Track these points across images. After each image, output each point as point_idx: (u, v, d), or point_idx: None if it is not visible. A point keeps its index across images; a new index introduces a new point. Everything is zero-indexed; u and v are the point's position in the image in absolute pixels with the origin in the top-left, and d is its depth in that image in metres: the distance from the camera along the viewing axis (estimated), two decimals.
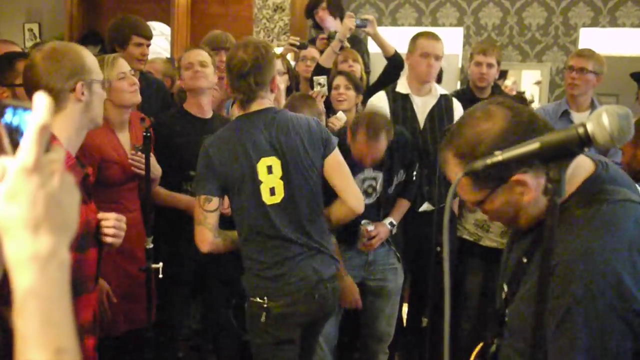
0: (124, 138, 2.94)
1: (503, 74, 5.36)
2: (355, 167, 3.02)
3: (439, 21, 5.87)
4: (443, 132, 3.54)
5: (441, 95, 3.77)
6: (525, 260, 1.48)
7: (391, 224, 3.31)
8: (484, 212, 1.54)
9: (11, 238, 0.79)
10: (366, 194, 3.20)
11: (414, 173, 3.40)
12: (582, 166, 1.45)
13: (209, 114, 3.29)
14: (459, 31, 5.83)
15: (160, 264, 2.68)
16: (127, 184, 2.91)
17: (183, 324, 3.57)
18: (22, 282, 0.79)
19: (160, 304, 2.95)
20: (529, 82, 5.87)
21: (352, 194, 2.64)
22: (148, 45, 3.83)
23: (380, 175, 3.28)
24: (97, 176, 2.70)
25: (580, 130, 1.01)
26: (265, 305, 2.48)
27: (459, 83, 5.75)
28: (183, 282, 3.26)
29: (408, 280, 3.74)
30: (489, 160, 1.11)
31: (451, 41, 5.34)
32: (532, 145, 1.07)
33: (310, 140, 2.57)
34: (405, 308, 4.02)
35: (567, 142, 1.03)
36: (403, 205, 3.43)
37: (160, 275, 2.69)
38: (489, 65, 4.05)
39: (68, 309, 0.82)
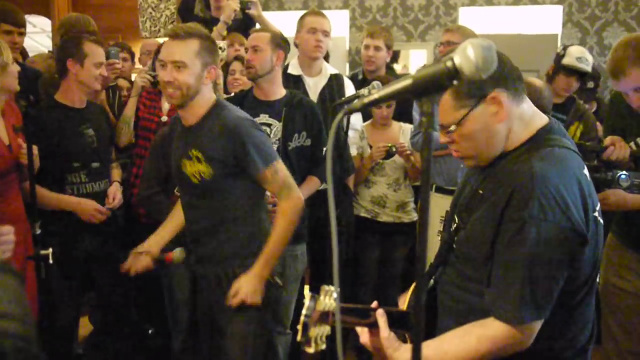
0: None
1: (395, 56, 5.49)
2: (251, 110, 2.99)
3: (325, 4, 5.93)
4: (334, 108, 3.57)
5: (331, 75, 3.80)
6: (480, 191, 1.66)
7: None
8: (455, 143, 1.67)
9: None
10: None
11: (324, 149, 3.27)
12: (537, 117, 1.67)
13: (83, 104, 3.21)
14: (345, 14, 5.92)
15: (50, 250, 2.57)
16: (8, 176, 2.77)
17: (76, 321, 3.44)
18: None
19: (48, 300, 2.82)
20: (416, 62, 6.03)
21: None
22: (20, 34, 3.65)
23: (277, 124, 3.20)
24: None
25: (449, 63, 1.05)
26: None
27: (347, 65, 5.84)
28: (73, 275, 3.15)
29: (307, 261, 3.74)
30: (366, 100, 1.13)
31: (338, 24, 5.43)
32: (406, 82, 1.10)
33: None
34: (307, 290, 4.03)
35: (437, 76, 1.06)
36: (312, 182, 3.31)
37: (51, 261, 2.58)
38: (377, 48, 4.14)
39: None
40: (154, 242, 2.70)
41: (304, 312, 1.57)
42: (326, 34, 3.68)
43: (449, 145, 1.73)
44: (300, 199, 2.57)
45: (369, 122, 3.96)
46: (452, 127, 1.63)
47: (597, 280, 1.98)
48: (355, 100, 1.13)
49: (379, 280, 3.94)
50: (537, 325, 1.56)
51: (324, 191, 3.54)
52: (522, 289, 1.52)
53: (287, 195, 2.53)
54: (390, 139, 3.78)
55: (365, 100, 1.13)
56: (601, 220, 1.63)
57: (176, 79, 2.39)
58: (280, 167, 2.52)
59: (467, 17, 5.77)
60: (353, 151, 3.78)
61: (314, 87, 3.74)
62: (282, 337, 3.35)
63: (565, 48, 3.81)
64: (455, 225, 1.76)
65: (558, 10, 5.63)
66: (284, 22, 4.85)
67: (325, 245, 3.39)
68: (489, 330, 1.56)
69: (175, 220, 2.75)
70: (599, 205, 1.64)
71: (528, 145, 1.62)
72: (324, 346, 1.56)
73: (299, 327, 1.56)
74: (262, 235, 2.54)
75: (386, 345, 1.64)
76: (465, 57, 1.04)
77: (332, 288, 1.58)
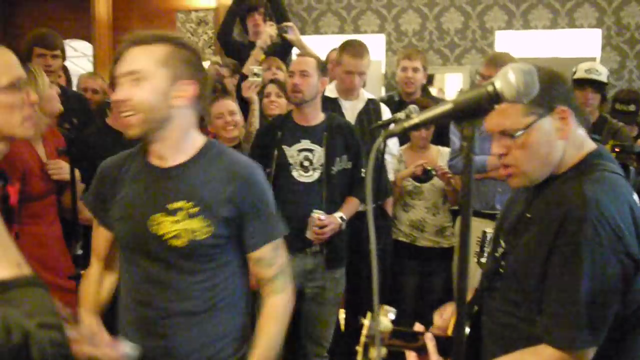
0: (40, 151, 2.87)
1: (430, 79, 5.49)
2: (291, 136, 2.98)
3: (361, 28, 5.97)
4: (370, 131, 3.58)
5: (368, 99, 3.84)
6: (528, 215, 1.64)
7: (342, 218, 3.20)
8: (508, 154, 1.63)
9: None
10: (302, 166, 3.16)
11: (363, 170, 3.29)
12: (588, 142, 1.67)
13: None
14: (381, 38, 5.95)
15: None
16: (48, 197, 2.83)
17: None
18: None
19: None
20: (452, 85, 6.03)
21: None
22: (54, 57, 3.73)
23: (319, 150, 3.21)
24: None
25: (490, 88, 1.06)
26: None
27: (383, 89, 5.85)
28: None
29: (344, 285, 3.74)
30: (406, 124, 1.14)
31: (374, 48, 5.45)
32: (446, 106, 1.11)
33: None
34: (342, 314, 4.02)
35: (479, 100, 1.07)
36: (352, 203, 3.29)
37: None
38: (415, 70, 4.15)
39: None
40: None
41: (364, 332, 1.56)
42: (362, 74, 3.74)
43: (498, 159, 1.68)
44: (293, 292, 1.95)
45: (406, 145, 3.96)
46: (519, 133, 1.59)
47: None
48: (394, 124, 1.12)
49: (417, 306, 3.90)
50: (591, 353, 1.52)
51: (364, 213, 3.55)
52: (577, 314, 1.49)
53: (283, 286, 1.90)
54: (429, 161, 3.77)
55: (406, 124, 1.13)
56: None
57: (130, 97, 1.71)
58: (283, 244, 1.91)
59: (503, 40, 5.74)
60: (390, 176, 3.78)
61: (351, 110, 3.78)
62: None
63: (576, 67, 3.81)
64: (501, 250, 1.72)
65: (597, 34, 5.58)
66: (321, 46, 4.89)
67: (363, 267, 3.39)
68: (542, 358, 1.53)
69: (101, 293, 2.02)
70: None
71: (578, 169, 1.61)
72: None
73: (359, 348, 1.55)
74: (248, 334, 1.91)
75: None
76: (507, 81, 1.05)
77: (389, 308, 1.58)
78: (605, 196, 1.51)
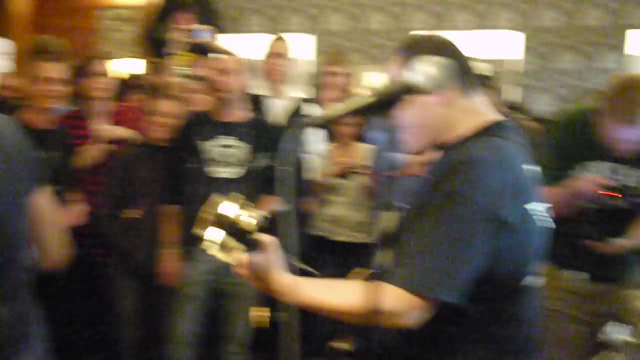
0: None
1: (355, 80, 5.52)
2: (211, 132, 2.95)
3: (290, 28, 5.98)
4: (290, 124, 3.59)
5: (295, 98, 3.85)
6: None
7: (265, 217, 3.14)
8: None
9: None
10: (221, 162, 3.15)
11: (283, 168, 3.24)
12: (490, 113, 1.64)
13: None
14: (311, 38, 5.98)
15: None
16: None
17: None
18: None
19: None
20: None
21: None
22: None
23: (241, 146, 3.20)
24: None
25: (403, 79, 1.07)
26: None
27: (310, 89, 5.86)
28: None
29: None
30: (323, 116, 1.14)
31: (302, 48, 5.47)
32: (361, 99, 1.12)
33: None
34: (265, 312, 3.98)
35: (392, 92, 1.08)
36: (270, 201, 3.19)
37: None
38: (337, 74, 4.14)
39: None
40: None
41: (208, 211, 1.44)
42: (286, 57, 3.73)
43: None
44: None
45: (333, 143, 3.98)
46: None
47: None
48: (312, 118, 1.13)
49: None
50: (435, 305, 1.45)
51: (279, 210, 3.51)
52: (431, 259, 1.44)
53: None
54: (352, 158, 3.79)
55: (323, 116, 1.13)
56: (540, 221, 1.61)
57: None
58: None
59: None
60: (314, 173, 3.79)
61: (277, 108, 3.77)
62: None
63: None
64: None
65: (519, 36, 5.78)
66: (242, 44, 4.89)
67: None
68: (382, 288, 1.42)
69: None
70: (541, 206, 1.63)
71: (471, 137, 1.60)
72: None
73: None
74: None
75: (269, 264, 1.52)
76: (417, 71, 1.06)
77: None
78: (485, 155, 1.50)
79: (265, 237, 1.53)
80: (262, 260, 1.51)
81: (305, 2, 6.02)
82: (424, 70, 1.04)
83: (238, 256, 1.50)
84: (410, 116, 1.60)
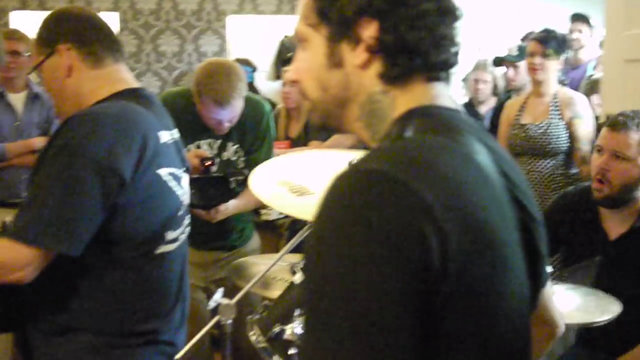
0: None
1: None
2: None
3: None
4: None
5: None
6: None
7: None
8: None
9: None
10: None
11: None
12: (122, 81, 1.65)
13: None
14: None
15: None
16: None
17: None
18: None
19: None
20: None
21: None
22: None
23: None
24: None
25: None
26: None
27: None
28: None
29: None
30: None
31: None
32: None
33: None
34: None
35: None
36: None
37: None
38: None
39: None
40: None
41: None
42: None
43: None
44: None
45: None
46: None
47: None
48: None
49: None
50: (48, 256, 1.44)
51: None
52: (45, 211, 1.41)
53: None
54: None
55: None
56: (178, 188, 1.65)
57: None
58: None
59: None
60: None
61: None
62: None
63: None
64: None
65: (114, 17, 5.86)
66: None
67: None
68: None
69: None
70: (182, 174, 1.69)
71: (104, 99, 1.61)
72: None
73: None
74: None
75: None
76: None
77: None
78: (103, 112, 1.53)
79: None
80: None
81: None
82: None
83: None
84: (45, 83, 1.64)
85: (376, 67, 0.91)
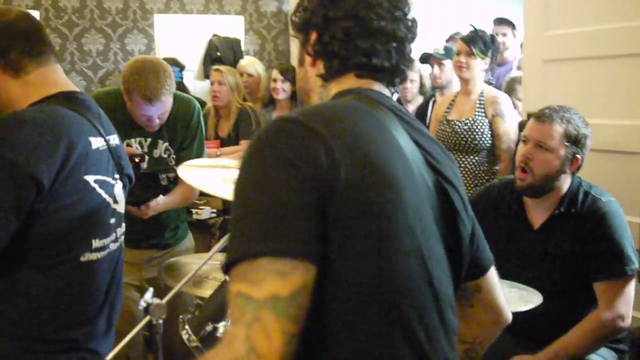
0: None
1: None
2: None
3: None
4: None
5: None
6: None
7: None
8: None
9: None
10: None
11: None
12: (50, 86, 1.63)
13: None
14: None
15: None
16: None
17: None
18: None
19: None
20: None
21: None
22: None
23: None
24: None
25: None
26: None
27: None
28: None
29: None
30: None
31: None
32: None
33: None
34: None
35: None
36: None
37: None
38: None
39: None
40: None
41: None
42: None
43: None
44: None
45: None
46: None
47: None
48: None
49: None
50: None
51: None
52: None
53: None
54: None
55: None
56: (108, 195, 1.64)
57: None
58: None
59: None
60: None
61: None
62: None
63: None
64: None
65: (35, 15, 5.76)
66: None
67: None
68: None
69: None
70: (108, 177, 1.65)
71: (35, 103, 1.60)
72: None
73: None
74: None
75: None
76: None
77: None
78: (27, 116, 1.51)
79: None
80: None
81: None
82: None
83: None
84: None
85: (319, 67, 1.22)
